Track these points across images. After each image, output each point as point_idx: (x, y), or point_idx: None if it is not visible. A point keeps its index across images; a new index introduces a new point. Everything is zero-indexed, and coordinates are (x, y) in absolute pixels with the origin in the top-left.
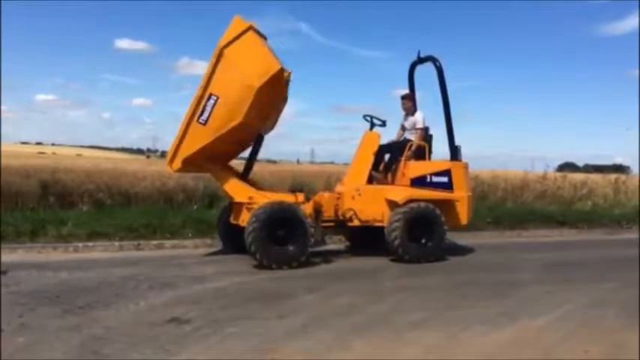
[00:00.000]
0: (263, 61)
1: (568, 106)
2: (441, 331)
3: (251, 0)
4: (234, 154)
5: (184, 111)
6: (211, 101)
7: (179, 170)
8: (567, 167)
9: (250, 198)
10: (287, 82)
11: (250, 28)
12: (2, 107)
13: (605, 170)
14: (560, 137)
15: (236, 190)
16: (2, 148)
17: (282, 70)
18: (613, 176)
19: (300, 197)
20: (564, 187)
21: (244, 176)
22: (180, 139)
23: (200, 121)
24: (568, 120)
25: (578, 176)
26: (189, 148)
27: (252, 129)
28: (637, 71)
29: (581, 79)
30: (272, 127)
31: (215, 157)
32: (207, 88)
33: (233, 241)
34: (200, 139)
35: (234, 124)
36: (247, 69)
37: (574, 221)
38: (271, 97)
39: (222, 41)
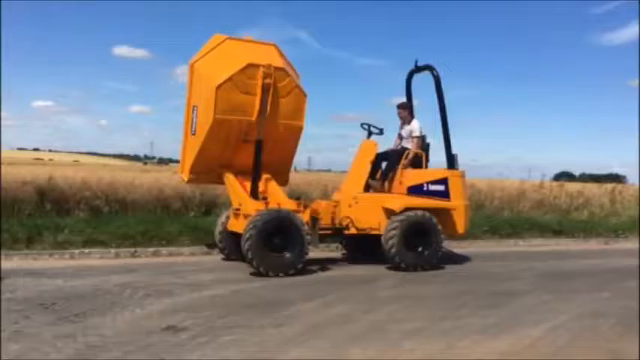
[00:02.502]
0: (231, 62)
1: (565, 116)
2: (437, 341)
3: (250, 9)
4: (248, 160)
5: (182, 118)
6: (195, 112)
7: (191, 181)
8: (564, 176)
9: (239, 205)
10: (268, 74)
11: (226, 39)
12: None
13: (601, 180)
14: (557, 146)
15: (233, 196)
16: None
17: (251, 65)
18: (609, 186)
19: (295, 205)
20: (561, 196)
21: (254, 184)
22: (183, 152)
23: (192, 132)
24: (565, 129)
25: (575, 185)
26: (189, 159)
27: (239, 128)
28: (636, 81)
29: (578, 89)
30: (295, 129)
31: (227, 165)
32: (190, 101)
33: (231, 247)
34: (193, 148)
35: (208, 125)
36: (214, 73)
37: (570, 230)
38: (248, 91)
39: (193, 59)
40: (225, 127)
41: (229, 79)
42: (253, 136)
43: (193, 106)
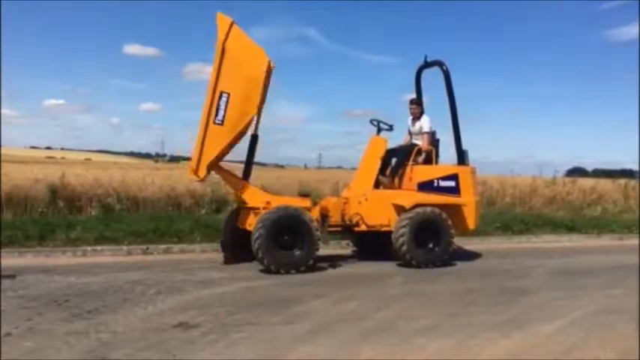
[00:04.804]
0: (255, 51)
1: (577, 111)
2: (449, 338)
3: (260, 6)
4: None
5: (192, 116)
6: (223, 99)
7: (205, 179)
8: (576, 172)
9: (267, 203)
10: (270, 69)
11: (233, 23)
12: (12, 112)
13: (614, 175)
14: (570, 142)
15: (251, 194)
16: (12, 153)
17: (270, 61)
18: (622, 181)
19: (308, 202)
20: (573, 192)
21: (246, 179)
22: (201, 145)
23: (217, 121)
24: (578, 125)
25: (588, 181)
26: (212, 151)
27: (251, 122)
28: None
29: (590, 84)
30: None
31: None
32: (217, 87)
33: (240, 245)
34: (220, 140)
35: (249, 118)
36: (248, 60)
37: (583, 227)
38: (267, 86)
39: (221, 36)
40: (252, 120)
41: (266, 71)
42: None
43: (222, 92)
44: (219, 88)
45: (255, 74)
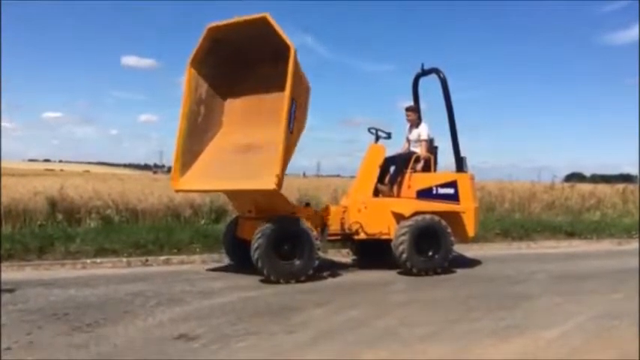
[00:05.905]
0: None
1: (575, 116)
2: (450, 344)
3: (255, 12)
4: None
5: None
6: (293, 107)
7: None
8: (574, 177)
9: (293, 213)
10: None
11: None
12: (10, 125)
13: (612, 180)
14: (567, 147)
15: (279, 203)
16: (10, 166)
17: None
18: (621, 186)
19: (310, 211)
20: (572, 197)
21: None
22: (284, 154)
23: (290, 129)
24: (575, 130)
25: (586, 186)
26: (288, 159)
27: None
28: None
29: (588, 88)
30: None
31: None
32: (291, 93)
33: (240, 255)
34: (291, 147)
35: (303, 125)
36: (299, 69)
37: (582, 232)
38: None
39: (289, 41)
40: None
41: None
42: None
43: (293, 99)
44: (291, 95)
45: (307, 84)
